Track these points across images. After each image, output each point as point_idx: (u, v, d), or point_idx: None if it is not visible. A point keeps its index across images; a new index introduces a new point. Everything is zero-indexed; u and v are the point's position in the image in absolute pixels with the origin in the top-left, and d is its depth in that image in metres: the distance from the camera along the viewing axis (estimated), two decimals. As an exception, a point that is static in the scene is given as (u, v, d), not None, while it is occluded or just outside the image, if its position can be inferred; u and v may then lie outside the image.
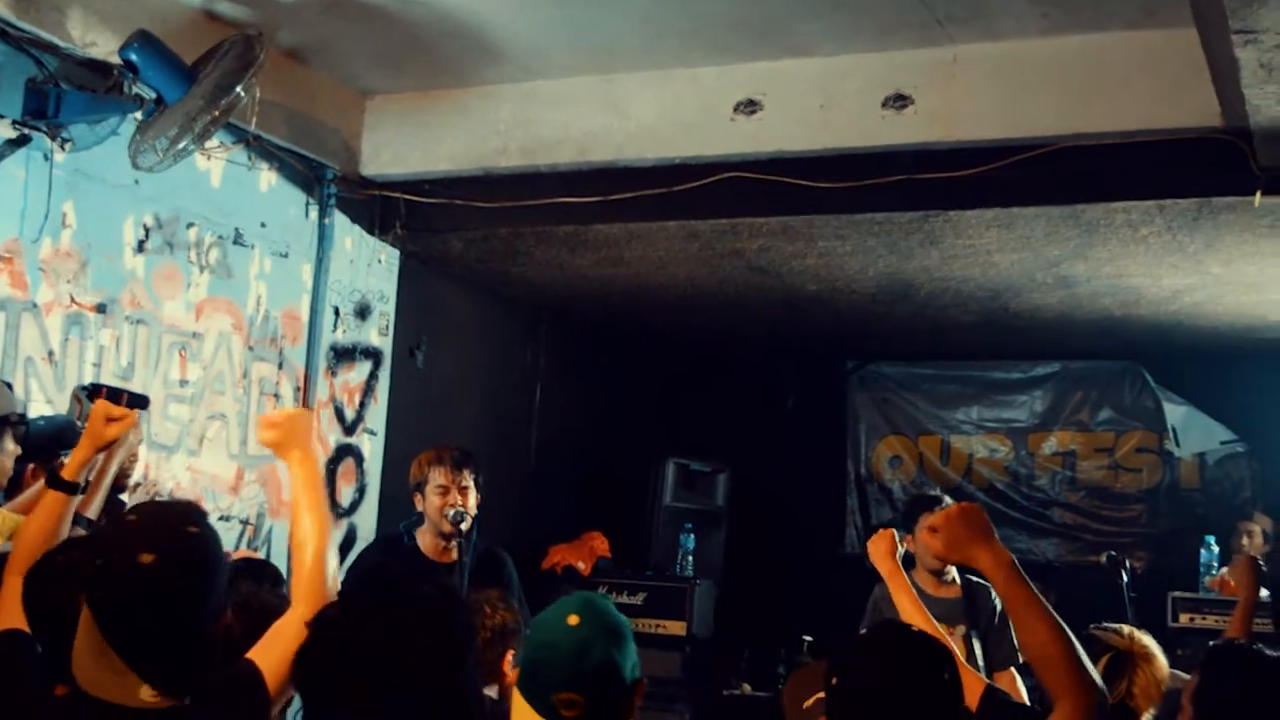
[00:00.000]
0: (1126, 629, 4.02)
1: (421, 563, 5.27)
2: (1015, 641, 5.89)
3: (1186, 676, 5.02)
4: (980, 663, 5.80)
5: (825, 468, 10.04)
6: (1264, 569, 5.13)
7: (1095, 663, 3.81)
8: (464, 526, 5.07)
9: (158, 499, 4.71)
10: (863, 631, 2.63)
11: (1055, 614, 2.71)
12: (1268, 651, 3.21)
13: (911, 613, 3.76)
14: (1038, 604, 2.69)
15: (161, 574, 2.36)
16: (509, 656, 3.95)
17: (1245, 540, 8.03)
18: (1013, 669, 5.75)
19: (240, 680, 2.53)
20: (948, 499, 5.91)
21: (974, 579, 5.97)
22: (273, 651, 2.65)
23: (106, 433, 3.45)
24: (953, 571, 5.85)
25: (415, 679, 2.12)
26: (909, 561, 5.76)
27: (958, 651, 2.94)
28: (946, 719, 2.43)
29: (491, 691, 3.95)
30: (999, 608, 5.88)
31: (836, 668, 2.50)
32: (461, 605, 2.25)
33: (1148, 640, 3.97)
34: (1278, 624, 5.85)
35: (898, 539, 4.06)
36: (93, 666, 2.37)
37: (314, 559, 2.85)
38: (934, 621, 3.76)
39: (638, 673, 2.60)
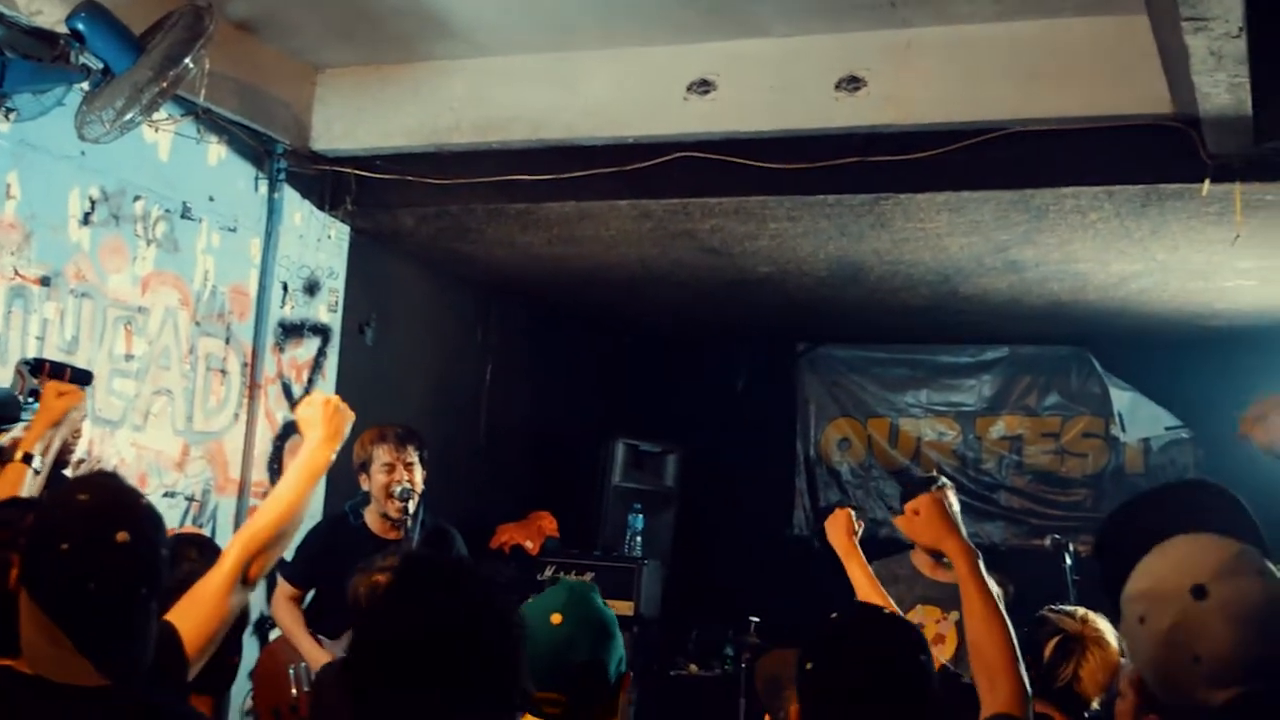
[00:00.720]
0: (1080, 612, 3.99)
1: (369, 541, 5.26)
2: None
3: None
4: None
5: (775, 449, 10.06)
6: None
7: (1045, 644, 3.84)
8: (411, 504, 5.06)
9: (93, 473, 4.65)
10: (834, 615, 2.60)
11: (1001, 608, 2.84)
12: None
13: (869, 592, 3.79)
14: (988, 593, 2.84)
15: (139, 549, 2.36)
16: None
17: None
18: None
19: (159, 642, 2.50)
20: (944, 479, 5.93)
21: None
22: (191, 614, 2.65)
23: (57, 406, 3.48)
24: None
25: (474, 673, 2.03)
26: (898, 544, 5.76)
27: (950, 635, 3.02)
28: (922, 702, 2.43)
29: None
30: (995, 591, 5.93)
31: (810, 652, 2.49)
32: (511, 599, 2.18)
33: (1101, 624, 3.93)
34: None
35: (854, 519, 4.03)
36: (42, 644, 2.34)
37: (266, 528, 2.93)
38: (890, 600, 3.78)
39: (624, 667, 2.60)
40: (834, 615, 2.58)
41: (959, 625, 5.79)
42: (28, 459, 3.45)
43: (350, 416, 3.28)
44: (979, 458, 9.56)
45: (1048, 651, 3.84)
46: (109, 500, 2.49)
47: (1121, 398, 9.11)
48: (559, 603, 2.57)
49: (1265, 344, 8.25)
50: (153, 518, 2.46)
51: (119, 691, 2.33)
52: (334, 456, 3.27)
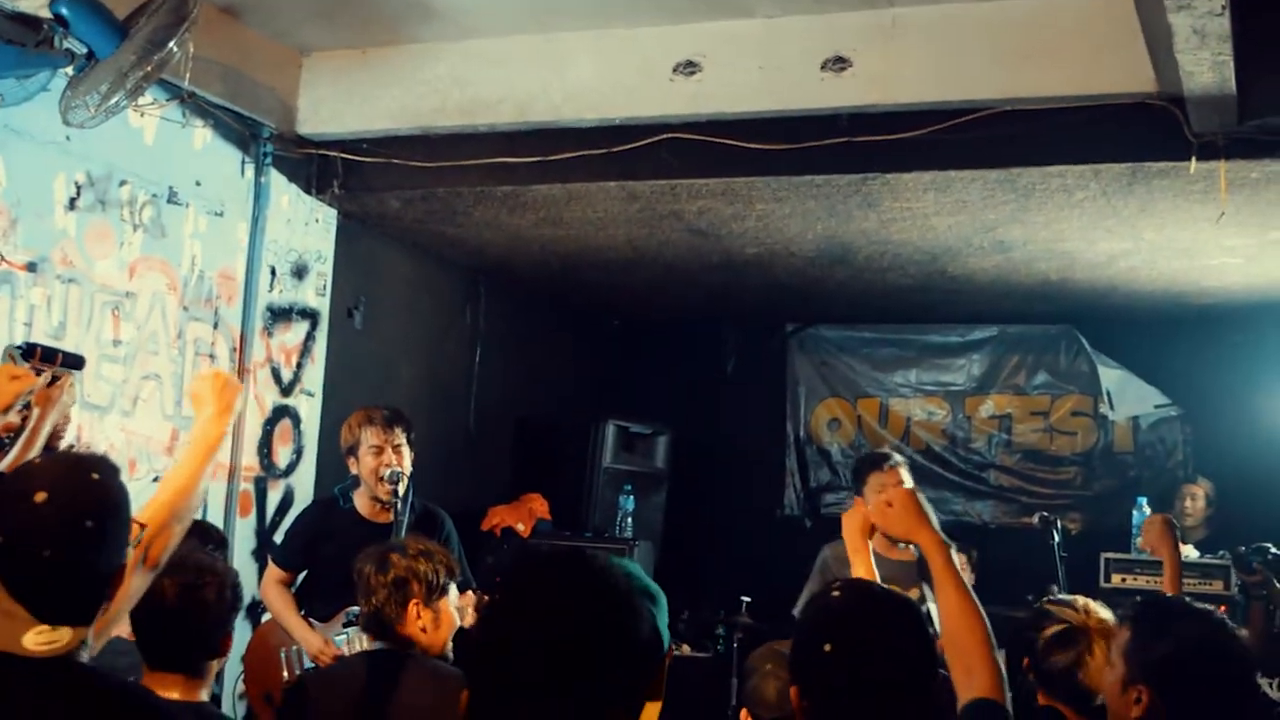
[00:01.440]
0: (1081, 601, 3.85)
1: (359, 524, 5.27)
2: None
3: None
4: (936, 626, 5.80)
5: (765, 430, 10.08)
6: (1177, 526, 5.14)
7: (1047, 633, 3.78)
8: (400, 486, 5.07)
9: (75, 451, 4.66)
10: (835, 594, 2.57)
11: (975, 598, 2.86)
12: (1197, 605, 3.21)
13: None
14: (962, 585, 2.86)
15: (51, 512, 2.34)
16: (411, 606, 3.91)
17: (1188, 503, 8.13)
18: None
19: None
20: (896, 456, 5.93)
21: None
22: None
23: (7, 390, 3.45)
24: None
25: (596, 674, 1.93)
26: None
27: None
28: (925, 674, 2.43)
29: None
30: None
31: (822, 634, 2.45)
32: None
33: (1105, 614, 3.80)
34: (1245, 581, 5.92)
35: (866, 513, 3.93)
36: None
37: (163, 508, 2.94)
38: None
39: (669, 640, 2.59)
40: (835, 593, 2.56)
41: (919, 601, 5.81)
42: None
43: (239, 388, 3.29)
44: (969, 437, 9.58)
45: (1051, 643, 3.72)
46: (45, 466, 2.54)
47: (1110, 376, 9.13)
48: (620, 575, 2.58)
49: (1253, 321, 8.29)
50: (83, 483, 2.43)
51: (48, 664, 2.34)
52: (228, 430, 3.26)
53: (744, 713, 4.10)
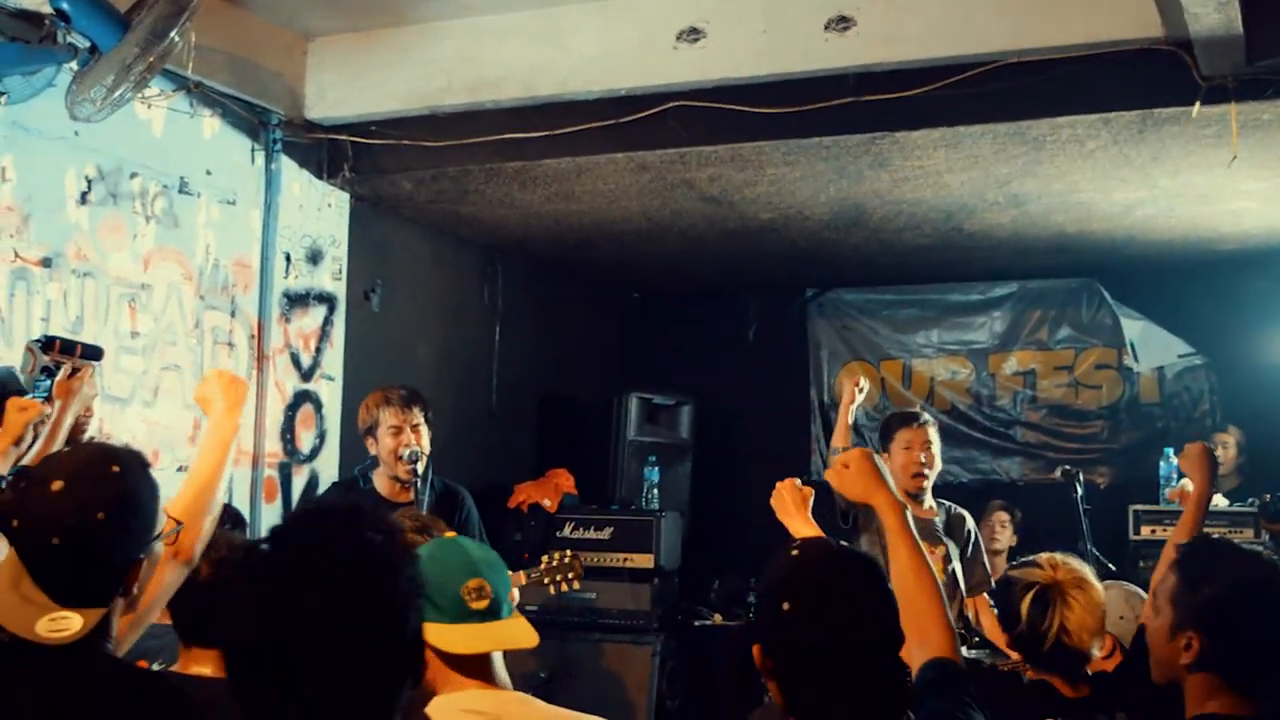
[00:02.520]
0: (1045, 557, 3.76)
1: (380, 504, 5.30)
2: (988, 569, 5.92)
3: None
4: (961, 584, 5.78)
5: (789, 396, 10.05)
6: (1217, 456, 5.01)
7: (1019, 601, 3.70)
8: (419, 465, 5.09)
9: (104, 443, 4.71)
10: (794, 552, 2.56)
11: (932, 567, 2.83)
12: (1245, 546, 3.15)
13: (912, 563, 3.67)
14: (917, 549, 2.82)
15: (64, 501, 2.39)
16: None
17: (1219, 452, 8.04)
18: (985, 595, 5.80)
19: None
20: (926, 415, 5.91)
21: (950, 506, 5.98)
22: None
23: (16, 421, 3.58)
24: (929, 498, 5.83)
25: (357, 634, 1.90)
26: None
27: (936, 571, 2.95)
28: (890, 633, 2.42)
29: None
30: (973, 536, 5.89)
31: (783, 592, 2.42)
32: (407, 559, 2.02)
33: (1074, 564, 3.74)
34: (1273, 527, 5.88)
35: (798, 486, 3.75)
36: (4, 590, 2.38)
37: (188, 504, 2.99)
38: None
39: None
40: (794, 552, 2.53)
41: (944, 558, 5.77)
42: None
43: (245, 384, 3.40)
44: (993, 394, 9.54)
45: (1024, 609, 3.64)
46: (67, 456, 2.63)
47: (1133, 327, 9.06)
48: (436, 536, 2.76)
49: (1273, 266, 8.22)
50: (101, 474, 2.47)
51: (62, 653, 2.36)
52: (239, 424, 3.37)
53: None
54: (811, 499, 3.66)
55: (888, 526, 2.89)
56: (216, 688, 2.95)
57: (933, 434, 5.78)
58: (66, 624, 2.36)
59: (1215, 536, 4.33)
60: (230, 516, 4.54)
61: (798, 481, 3.76)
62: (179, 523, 2.80)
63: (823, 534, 3.57)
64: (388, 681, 1.93)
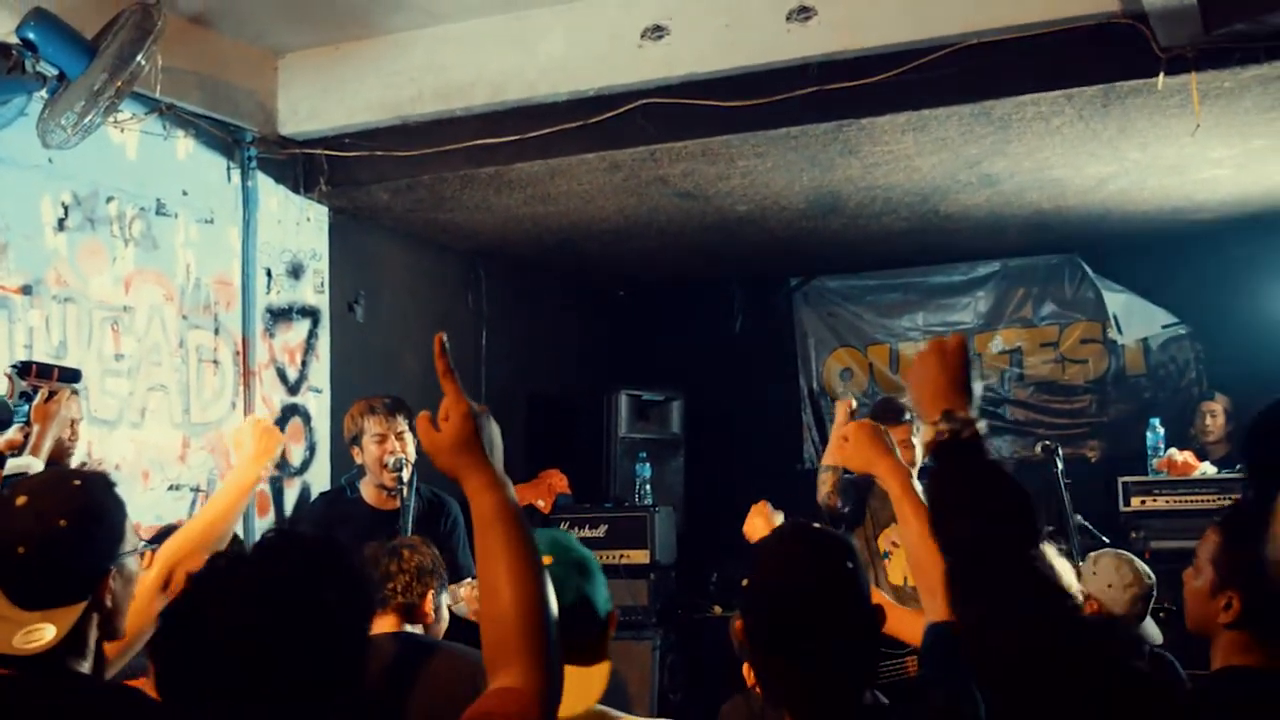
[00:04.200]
0: None
1: (367, 514, 5.34)
2: None
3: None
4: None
5: (778, 386, 10.11)
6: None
7: None
8: (404, 473, 5.13)
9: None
10: (770, 534, 2.65)
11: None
12: None
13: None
14: (924, 514, 2.75)
15: (27, 512, 2.48)
16: (429, 596, 4.02)
17: (1208, 420, 8.15)
18: None
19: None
20: (908, 413, 5.93)
21: None
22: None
23: None
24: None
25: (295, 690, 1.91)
26: None
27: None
28: (850, 606, 2.46)
29: (416, 629, 4.03)
30: None
31: (749, 568, 2.51)
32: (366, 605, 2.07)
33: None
34: (1257, 503, 5.90)
35: (771, 512, 3.89)
36: None
37: (190, 541, 3.12)
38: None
39: (610, 605, 2.65)
40: (770, 534, 2.63)
41: None
42: None
43: (281, 438, 3.52)
44: (981, 373, 9.58)
45: None
46: (35, 478, 2.78)
47: (1116, 300, 9.12)
48: (544, 547, 2.63)
49: (1252, 232, 8.26)
50: (65, 489, 2.57)
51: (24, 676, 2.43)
52: (264, 474, 3.49)
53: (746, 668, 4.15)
54: (781, 520, 3.71)
55: (892, 495, 2.92)
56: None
57: (915, 429, 5.84)
58: (40, 633, 2.43)
59: (1256, 496, 4.31)
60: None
61: (768, 506, 3.89)
62: (151, 545, 2.87)
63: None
64: (313, 692, 1.94)
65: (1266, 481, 2.16)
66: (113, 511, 2.62)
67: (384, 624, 3.87)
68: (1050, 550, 3.80)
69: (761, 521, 3.85)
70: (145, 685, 3.18)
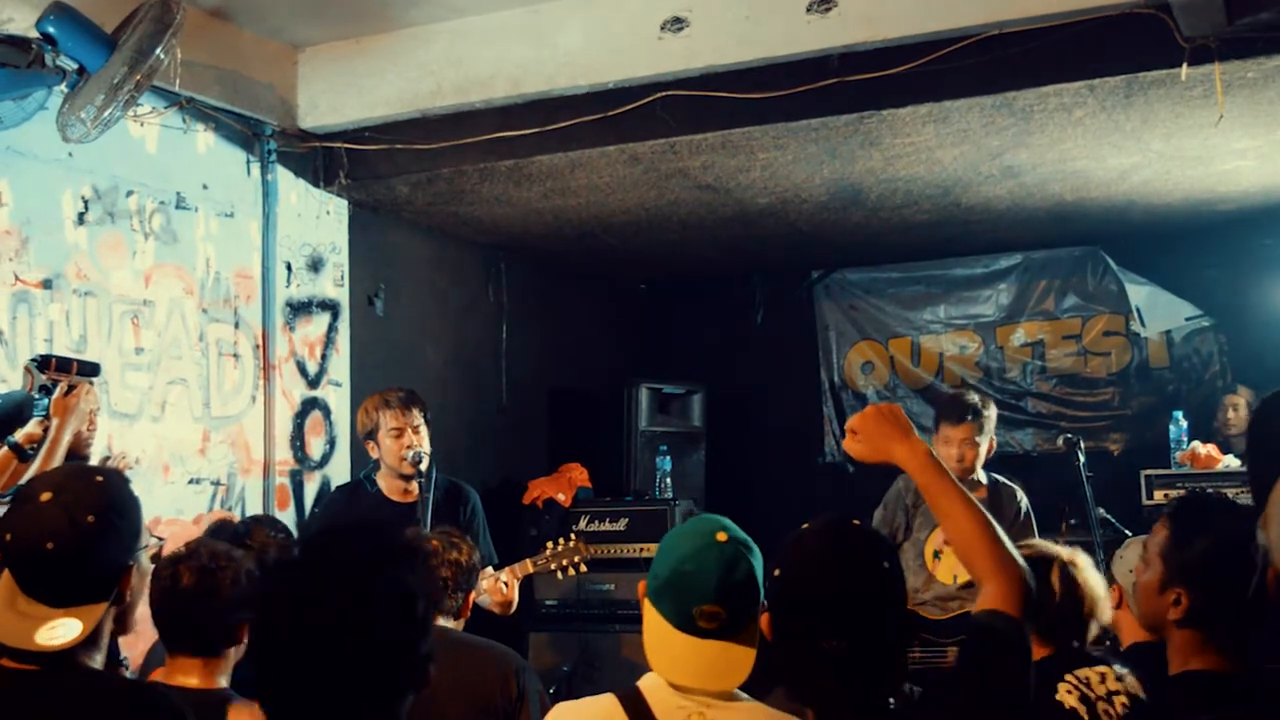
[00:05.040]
0: (1037, 541, 3.83)
1: (387, 505, 5.34)
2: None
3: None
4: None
5: (799, 379, 10.09)
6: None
7: (1048, 575, 3.69)
8: (423, 466, 5.13)
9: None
10: (805, 525, 2.59)
11: (975, 501, 2.63)
12: (1239, 501, 3.06)
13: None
14: (954, 491, 2.62)
15: (54, 508, 2.49)
16: (471, 596, 4.03)
17: (1230, 414, 8.10)
18: None
19: None
20: (974, 409, 5.78)
21: (1000, 479, 5.97)
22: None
23: None
24: (979, 474, 5.83)
25: (377, 648, 2.05)
26: None
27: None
28: (886, 607, 2.41)
29: (457, 625, 4.03)
30: (1024, 508, 5.87)
31: (777, 559, 2.48)
32: (425, 571, 2.19)
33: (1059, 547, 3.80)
34: (1256, 491, 5.88)
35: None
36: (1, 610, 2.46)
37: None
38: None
39: (763, 595, 2.64)
40: (805, 525, 2.54)
41: None
42: (15, 447, 3.67)
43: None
44: (1003, 367, 9.54)
45: (1056, 582, 3.63)
46: (54, 472, 2.82)
47: (1138, 293, 9.06)
48: (718, 525, 2.64)
49: (1275, 223, 8.21)
50: (86, 484, 2.58)
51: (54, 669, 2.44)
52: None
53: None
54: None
55: (914, 476, 2.67)
56: (201, 698, 3.03)
57: (979, 429, 5.74)
58: (65, 629, 2.43)
59: (1209, 491, 4.30)
60: (227, 531, 4.63)
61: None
62: (161, 539, 2.88)
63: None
64: (400, 687, 2.07)
65: (1267, 470, 2.09)
66: (133, 507, 2.64)
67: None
68: (1084, 559, 3.78)
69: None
70: (162, 675, 3.20)
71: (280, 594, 2.06)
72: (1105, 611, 3.70)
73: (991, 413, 5.87)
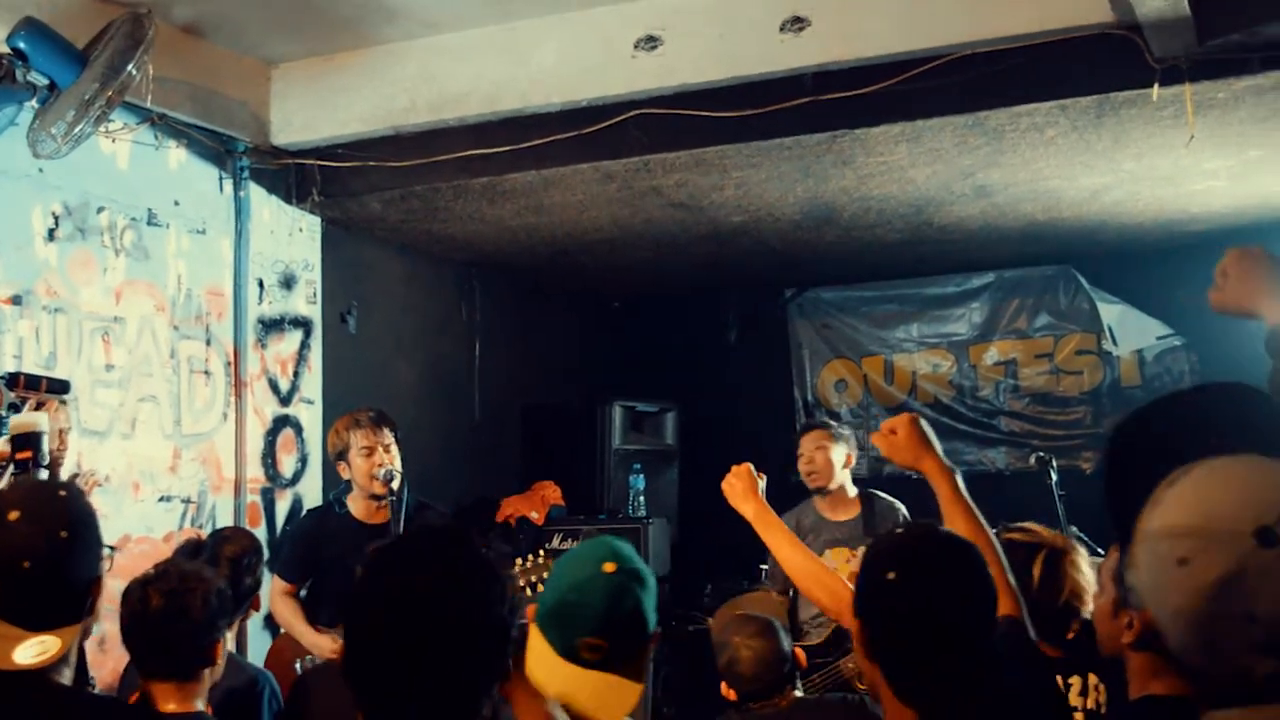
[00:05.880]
0: (1030, 525, 3.81)
1: (357, 528, 5.31)
2: None
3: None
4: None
5: (772, 397, 10.09)
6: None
7: (1030, 564, 3.70)
8: (394, 484, 5.11)
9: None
10: (899, 530, 2.64)
11: (981, 518, 2.88)
12: None
13: (789, 553, 3.66)
14: (977, 518, 2.86)
15: (26, 527, 2.49)
16: None
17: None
18: None
19: None
20: (820, 421, 6.17)
21: (876, 494, 6.24)
22: None
23: None
24: (849, 489, 6.17)
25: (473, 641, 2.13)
26: (904, 480, 5.92)
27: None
28: (991, 610, 2.48)
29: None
30: (903, 518, 6.11)
31: (888, 563, 2.48)
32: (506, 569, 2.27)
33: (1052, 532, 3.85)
34: (1119, 528, 5.90)
35: (755, 472, 3.90)
36: None
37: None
38: (812, 555, 3.69)
39: (656, 624, 2.63)
40: (898, 530, 2.62)
41: None
42: None
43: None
44: (975, 385, 9.57)
45: (1036, 571, 3.61)
46: (14, 490, 2.84)
47: (1110, 311, 9.11)
48: (608, 552, 2.60)
49: (1246, 243, 8.11)
50: (51, 500, 2.59)
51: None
52: None
53: (724, 687, 4.12)
54: (764, 484, 3.83)
55: (939, 494, 2.95)
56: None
57: (830, 437, 6.22)
58: (43, 647, 2.42)
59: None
60: (190, 548, 4.59)
61: (751, 467, 3.86)
62: (113, 548, 2.87)
63: (779, 523, 3.74)
64: (487, 674, 2.14)
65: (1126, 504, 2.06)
66: (95, 518, 2.65)
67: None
68: (1080, 552, 3.79)
69: (742, 484, 3.84)
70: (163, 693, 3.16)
71: (371, 591, 2.15)
72: (1088, 606, 3.65)
73: (847, 430, 6.33)
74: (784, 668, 4.34)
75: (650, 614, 2.59)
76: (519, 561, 5.55)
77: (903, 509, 6.19)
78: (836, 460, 6.13)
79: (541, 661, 2.55)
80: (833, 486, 6.11)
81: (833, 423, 6.33)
